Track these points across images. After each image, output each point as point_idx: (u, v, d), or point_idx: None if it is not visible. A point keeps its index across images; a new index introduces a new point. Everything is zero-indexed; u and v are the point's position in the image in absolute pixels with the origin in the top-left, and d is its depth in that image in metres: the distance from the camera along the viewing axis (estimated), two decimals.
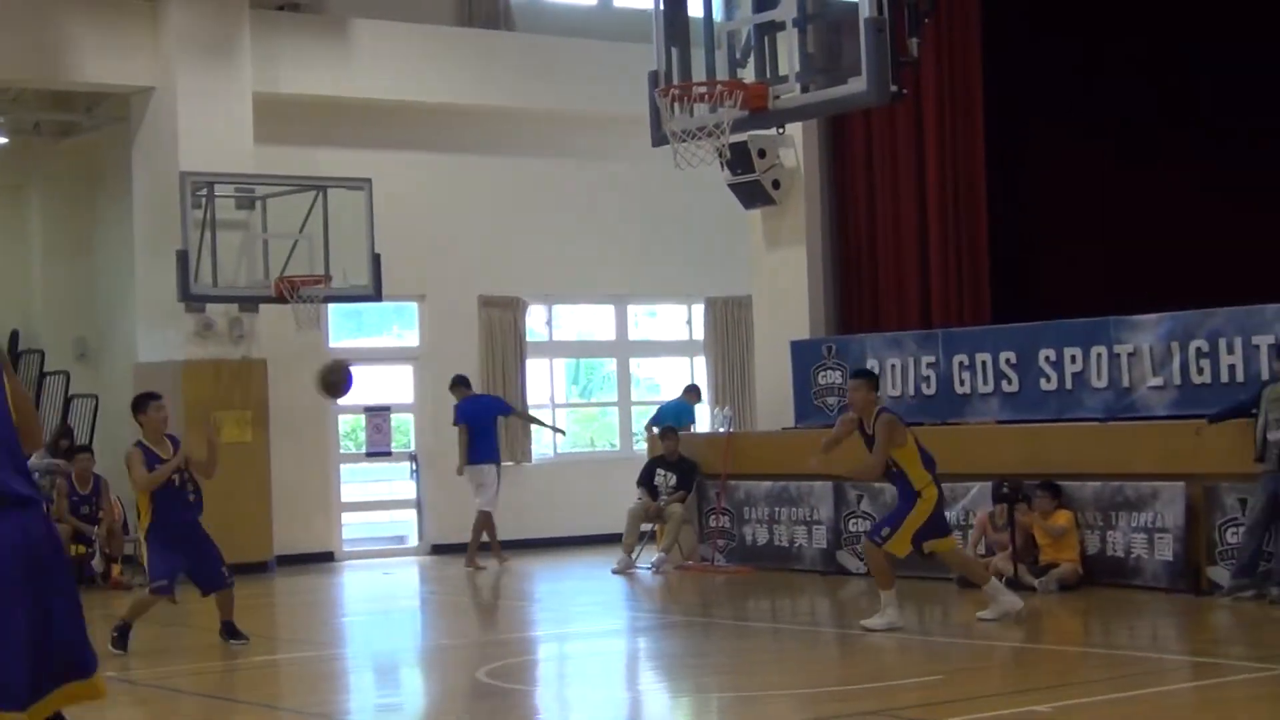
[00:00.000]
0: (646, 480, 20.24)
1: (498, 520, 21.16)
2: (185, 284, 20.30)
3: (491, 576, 20.23)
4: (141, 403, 14.30)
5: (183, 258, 20.23)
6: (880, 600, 13.82)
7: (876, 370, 17.84)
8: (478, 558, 20.87)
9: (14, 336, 23.49)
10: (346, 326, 23.49)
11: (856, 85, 14.83)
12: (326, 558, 22.39)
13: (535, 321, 24.60)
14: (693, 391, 22.95)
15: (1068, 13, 20.04)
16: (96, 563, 19.98)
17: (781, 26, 15.64)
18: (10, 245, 23.69)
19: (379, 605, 18.95)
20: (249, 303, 21.05)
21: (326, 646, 15.47)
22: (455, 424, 21.20)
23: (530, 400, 23.86)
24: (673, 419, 21.74)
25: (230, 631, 14.23)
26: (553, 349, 24.90)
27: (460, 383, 21.55)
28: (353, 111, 22.51)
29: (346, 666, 14.38)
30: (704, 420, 23.97)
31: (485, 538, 21.00)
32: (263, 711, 11.72)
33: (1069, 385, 16.95)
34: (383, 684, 13.51)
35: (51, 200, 23.85)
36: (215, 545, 14.24)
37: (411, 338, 23.85)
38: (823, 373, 19.21)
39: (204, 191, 20.53)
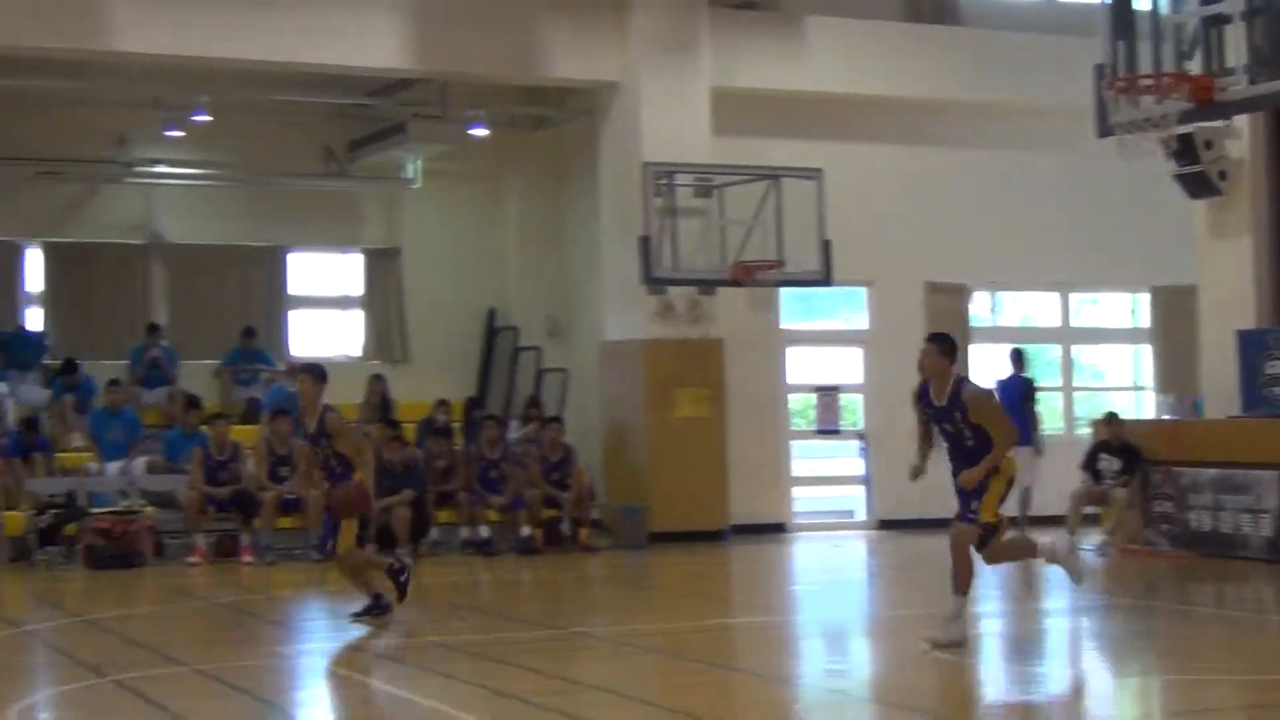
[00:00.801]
0: (1090, 464, 19.95)
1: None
2: (647, 267, 20.83)
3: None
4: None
5: (645, 243, 20.76)
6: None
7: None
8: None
9: (491, 314, 24.44)
10: (798, 309, 23.73)
11: None
12: (778, 528, 22.70)
13: (980, 308, 24.45)
14: None
15: None
16: (565, 527, 20.65)
17: (1228, 19, 15.27)
18: (490, 230, 24.60)
19: (828, 575, 19.11)
20: (707, 285, 21.46)
21: (778, 613, 15.71)
22: None
23: None
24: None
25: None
26: (997, 334, 24.67)
27: (1010, 357, 21.55)
28: (805, 104, 22.74)
29: (797, 633, 14.57)
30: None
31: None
32: (718, 672, 11.96)
33: None
34: (832, 650, 13.65)
35: (526, 188, 24.68)
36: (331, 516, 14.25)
37: (860, 321, 23.95)
38: (1270, 362, 18.60)
39: (665, 181, 21.04)
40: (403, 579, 14.09)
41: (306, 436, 14.26)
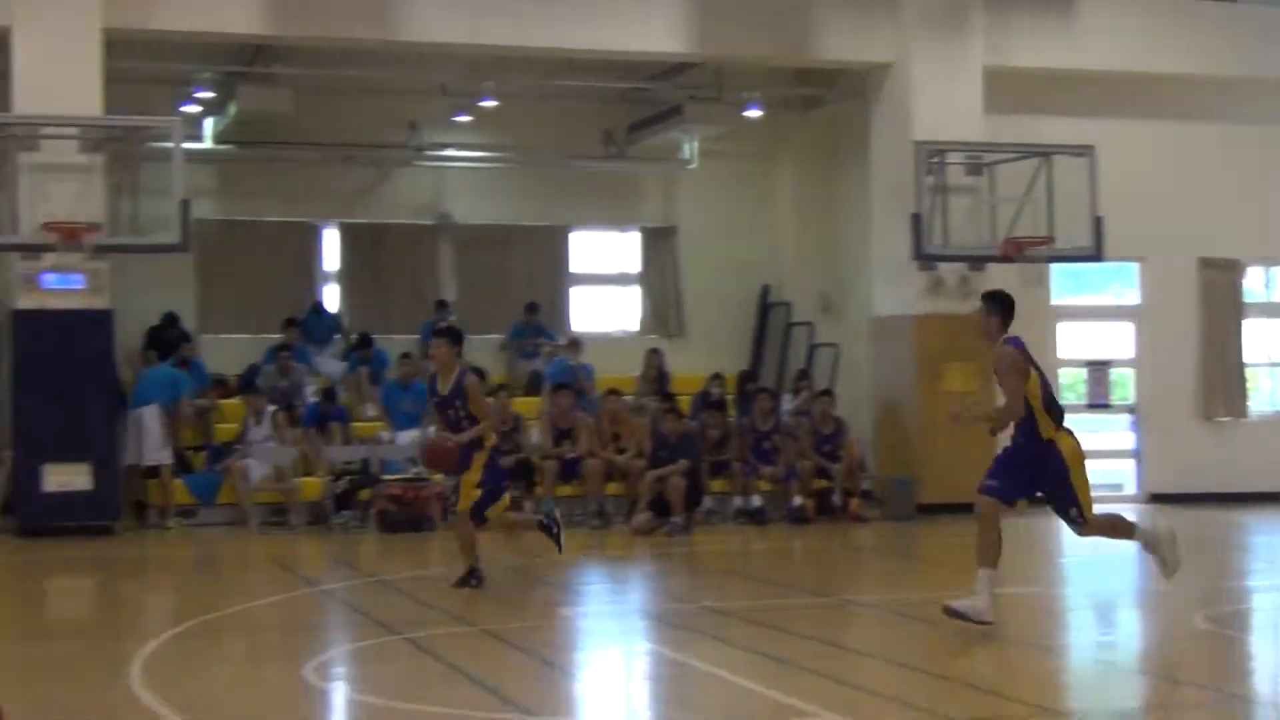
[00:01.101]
0: None
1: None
2: (918, 244, 20.68)
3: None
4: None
5: (916, 220, 20.61)
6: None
7: None
8: None
9: (765, 290, 24.47)
10: (1068, 285, 23.32)
11: None
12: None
13: (1254, 283, 23.79)
14: None
15: None
16: (836, 497, 20.59)
17: None
18: (763, 209, 24.65)
19: (1097, 549, 18.71)
20: (977, 262, 21.21)
21: (1046, 584, 15.48)
22: None
23: (1247, 360, 23.23)
24: None
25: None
26: (1271, 310, 23.98)
27: None
28: (1076, 82, 22.32)
29: (1067, 605, 14.36)
30: None
31: None
32: (985, 641, 11.80)
33: None
34: (1102, 623, 13.43)
35: (798, 167, 24.67)
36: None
37: (1132, 296, 23.46)
38: None
39: (936, 159, 20.86)
40: (555, 532, 14.36)
41: (437, 397, 14.02)
